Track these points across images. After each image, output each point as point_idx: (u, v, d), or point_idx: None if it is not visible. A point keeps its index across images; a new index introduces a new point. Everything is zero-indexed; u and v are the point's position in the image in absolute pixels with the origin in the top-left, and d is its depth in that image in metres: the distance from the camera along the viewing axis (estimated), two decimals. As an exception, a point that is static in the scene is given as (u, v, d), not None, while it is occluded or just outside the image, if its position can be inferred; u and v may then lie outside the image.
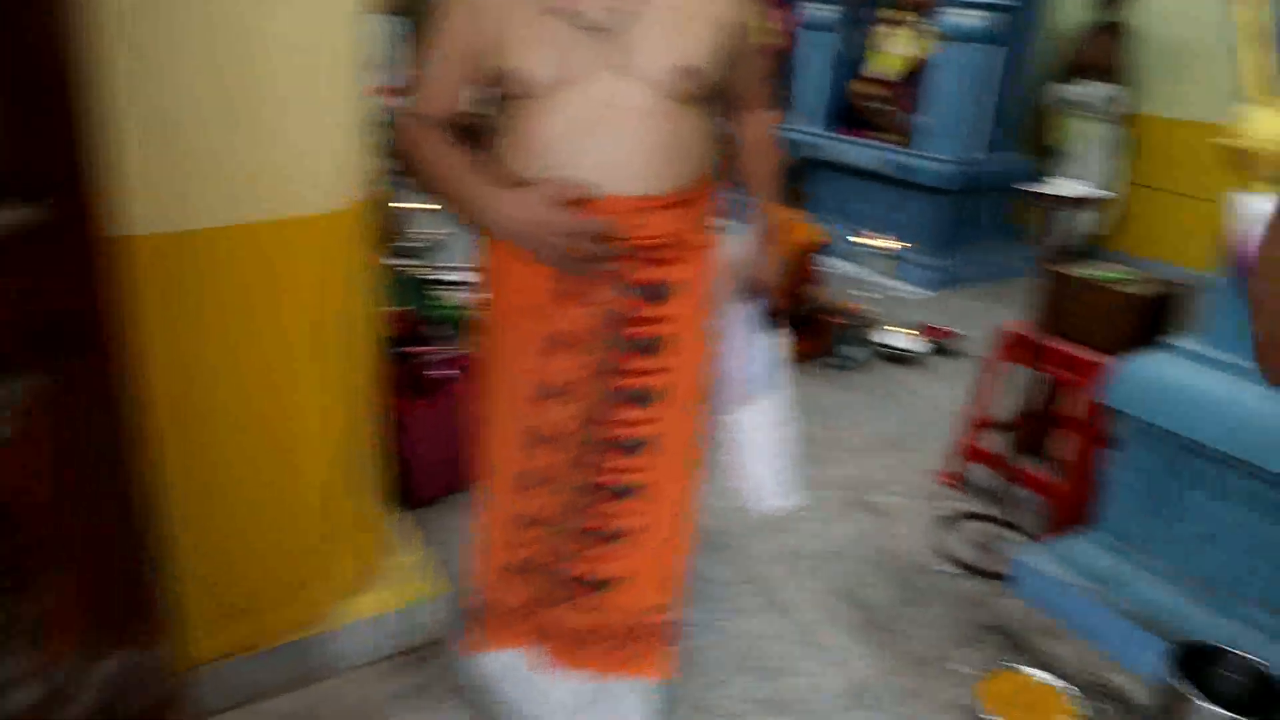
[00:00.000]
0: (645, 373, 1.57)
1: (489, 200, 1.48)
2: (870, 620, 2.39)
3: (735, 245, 1.73)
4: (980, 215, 5.63)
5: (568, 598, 1.68)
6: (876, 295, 4.37)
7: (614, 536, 1.64)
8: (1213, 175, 5.59)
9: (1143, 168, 5.89)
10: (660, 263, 1.53)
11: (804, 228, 3.98)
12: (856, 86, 6.10)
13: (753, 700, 2.09)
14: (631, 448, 1.59)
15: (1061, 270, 2.50)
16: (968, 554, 2.69)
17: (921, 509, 2.94)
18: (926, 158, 5.46)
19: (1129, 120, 5.79)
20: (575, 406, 1.56)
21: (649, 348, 1.56)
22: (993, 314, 5.02)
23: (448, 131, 1.54)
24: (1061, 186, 2.33)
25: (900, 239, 5.39)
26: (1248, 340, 2.20)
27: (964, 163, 5.37)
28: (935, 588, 2.54)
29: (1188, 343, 2.23)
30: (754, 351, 1.75)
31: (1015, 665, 2.16)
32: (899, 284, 5.41)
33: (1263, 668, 1.91)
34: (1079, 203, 2.31)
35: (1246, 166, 2.02)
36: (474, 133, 1.55)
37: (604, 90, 1.42)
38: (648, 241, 1.50)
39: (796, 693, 2.13)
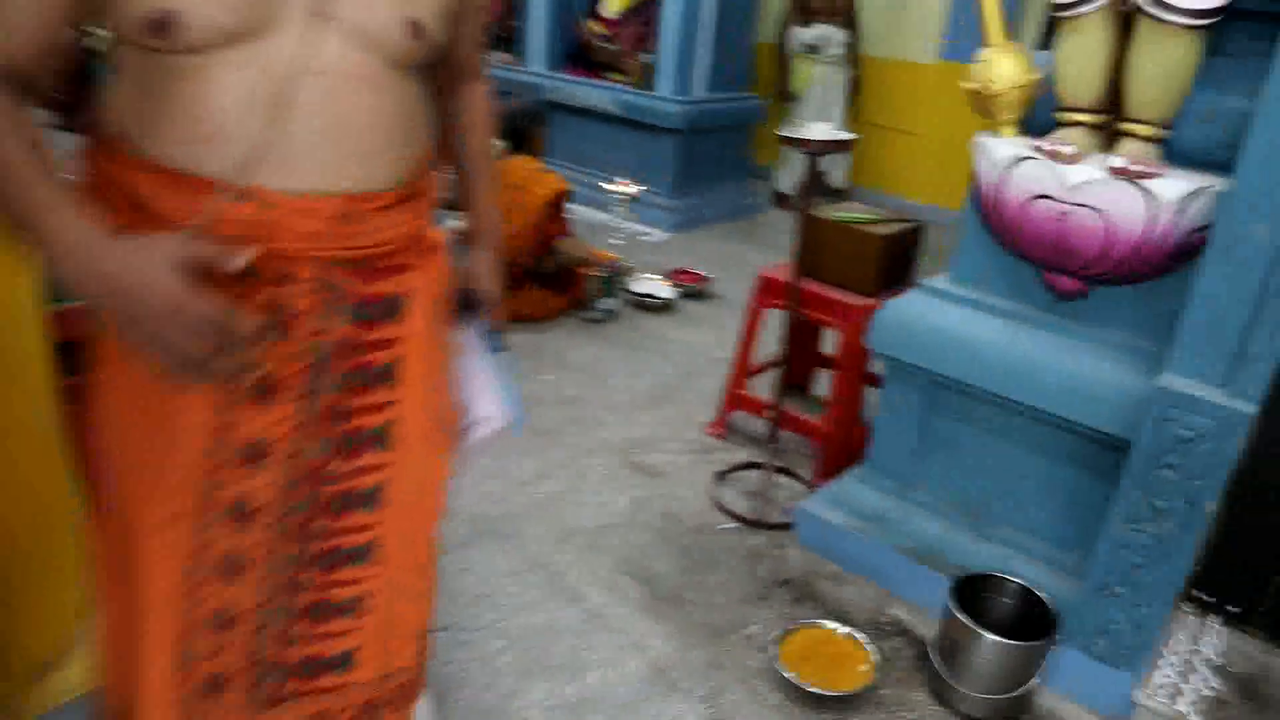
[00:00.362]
0: (373, 409, 1.22)
1: (77, 241, 0.92)
2: (659, 594, 2.29)
3: (452, 247, 1.44)
4: (713, 154, 5.68)
5: (292, 693, 1.29)
6: (620, 241, 4.27)
7: (344, 609, 1.28)
8: (930, 112, 6.10)
9: (871, 107, 6.26)
10: (389, 272, 1.19)
11: (548, 177, 3.77)
12: (588, 25, 5.90)
13: (556, 705, 1.92)
14: (359, 501, 1.25)
15: (812, 214, 2.48)
16: (746, 507, 2.66)
17: (696, 465, 2.89)
18: (656, 97, 5.40)
19: (858, 62, 6.04)
20: (279, 469, 1.16)
21: (377, 378, 1.21)
22: (735, 253, 5.13)
23: (19, 95, 0.96)
24: (811, 130, 2.29)
25: (637, 181, 5.33)
26: (991, 276, 2.33)
27: (692, 102, 5.37)
28: (719, 548, 2.49)
29: (937, 281, 2.28)
30: (482, 373, 1.45)
31: (809, 621, 2.15)
32: (640, 227, 5.36)
33: (1032, 590, 2.01)
34: (828, 145, 2.28)
35: (989, 109, 2.05)
36: (69, 103, 1.07)
37: (300, 47, 1.00)
38: (369, 252, 1.15)
39: (599, 687, 1.98)
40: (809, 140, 2.26)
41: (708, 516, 2.62)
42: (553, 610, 2.20)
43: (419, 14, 1.10)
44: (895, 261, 2.77)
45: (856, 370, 2.73)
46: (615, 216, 5.16)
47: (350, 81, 1.05)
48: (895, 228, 2.73)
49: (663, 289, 4.14)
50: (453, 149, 1.41)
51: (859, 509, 2.42)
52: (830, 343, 3.10)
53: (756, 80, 6.34)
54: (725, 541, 2.51)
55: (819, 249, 2.69)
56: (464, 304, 1.41)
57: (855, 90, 6.11)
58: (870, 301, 2.67)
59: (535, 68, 6.10)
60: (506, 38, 6.52)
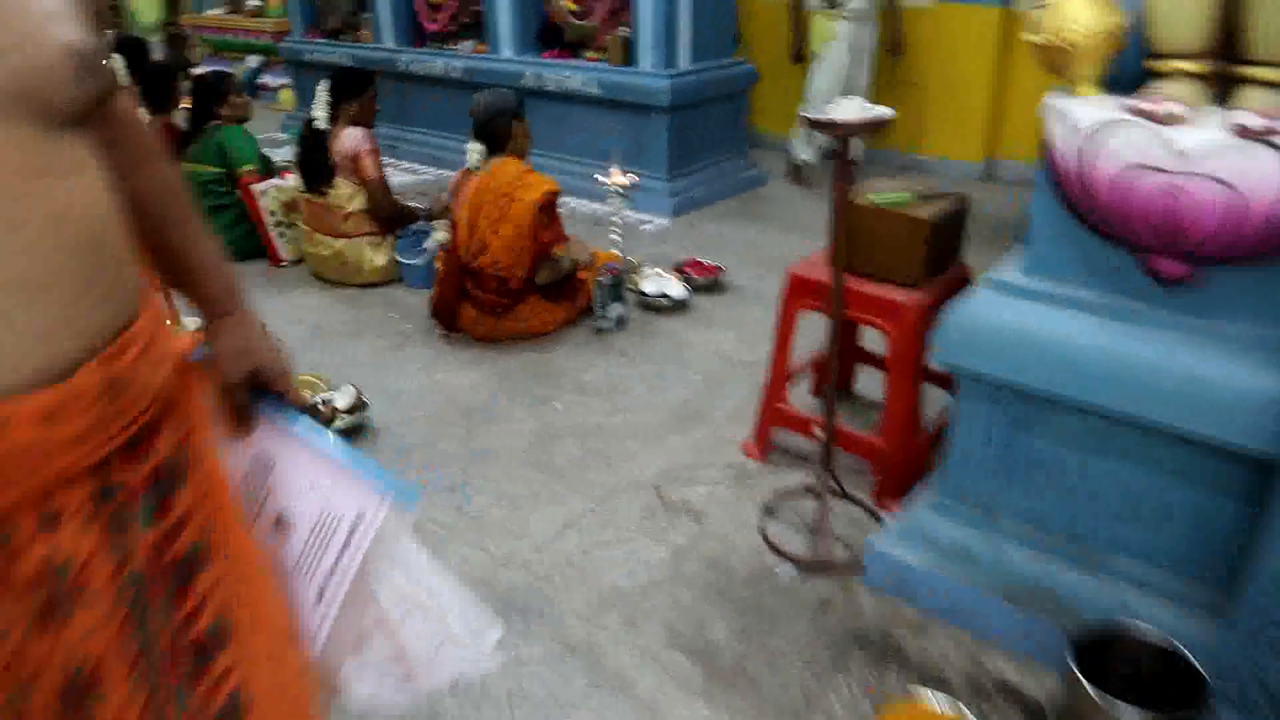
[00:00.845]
0: (195, 613, 0.90)
1: None
2: (719, 669, 1.96)
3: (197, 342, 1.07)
4: (708, 129, 5.29)
5: None
6: (619, 234, 3.92)
7: None
8: (932, 60, 5.63)
9: (904, 62, 5.51)
10: (144, 446, 0.86)
11: (535, 178, 3.40)
12: (557, 3, 5.49)
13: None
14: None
15: (846, 201, 2.13)
16: (803, 545, 2.33)
17: (738, 496, 2.56)
18: (639, 74, 5.01)
19: (889, 15, 5.23)
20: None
21: (187, 568, 0.90)
22: (743, 234, 4.76)
23: None
24: (840, 109, 1.93)
25: (629, 166, 4.95)
26: (1074, 265, 1.97)
27: (677, 74, 4.97)
28: (779, 601, 2.16)
29: (1006, 273, 1.93)
30: (319, 462, 1.04)
31: (900, 693, 1.83)
32: (638, 215, 4.99)
33: (1166, 645, 1.68)
34: (861, 128, 1.92)
35: (1063, 64, 1.69)
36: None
37: None
38: (137, 425, 0.84)
39: (664, 808, 1.67)
40: (839, 124, 1.90)
41: (760, 561, 2.30)
42: (599, 706, 1.88)
43: (73, 35, 0.73)
44: (943, 246, 2.42)
45: (911, 375, 2.39)
46: (610, 206, 4.78)
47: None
48: (940, 208, 2.37)
49: (674, 286, 3.79)
50: (150, 235, 0.98)
51: (937, 543, 2.09)
52: (870, 335, 2.75)
53: (746, 43, 5.94)
54: (785, 592, 2.19)
55: (855, 238, 2.33)
56: (249, 394, 1.06)
57: (893, 48, 5.30)
58: (919, 295, 2.33)
59: (505, 53, 5.70)
60: (472, 23, 6.11)
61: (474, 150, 3.43)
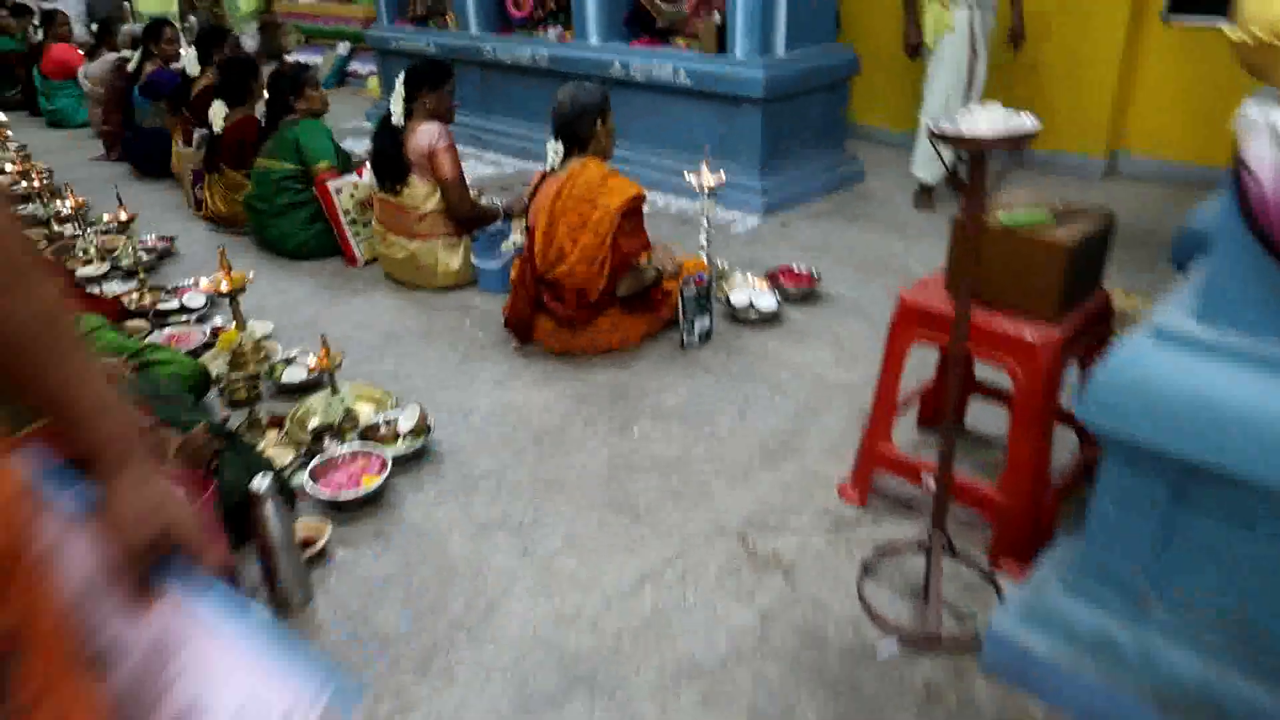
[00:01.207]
0: None
1: None
2: (814, 768, 1.70)
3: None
4: (804, 122, 4.96)
5: None
6: (706, 238, 3.65)
7: None
8: (1100, 46, 5.05)
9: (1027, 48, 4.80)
10: None
11: (618, 182, 3.15)
12: (645, -13, 5.22)
13: None
14: None
15: (979, 229, 1.81)
16: (907, 614, 2.04)
17: (833, 548, 2.27)
18: (732, 63, 4.70)
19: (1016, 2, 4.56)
20: None
21: None
22: (840, 237, 4.42)
23: None
24: (977, 120, 1.63)
25: (718, 161, 4.66)
26: (1270, 319, 1.42)
27: (774, 64, 4.64)
28: (881, 684, 1.88)
29: (1182, 323, 1.59)
30: (236, 648, 0.86)
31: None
32: (726, 214, 4.70)
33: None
34: (1006, 144, 1.61)
35: (1270, 65, 1.35)
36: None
37: None
38: None
39: None
40: (974, 139, 1.59)
41: (858, 631, 2.02)
42: (672, 809, 1.64)
43: None
44: (1082, 273, 2.08)
45: (1040, 422, 2.06)
46: (697, 204, 4.50)
47: None
48: (1081, 230, 2.03)
49: (764, 296, 3.50)
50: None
51: (1072, 630, 1.77)
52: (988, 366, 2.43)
53: (846, 27, 5.56)
54: (886, 673, 1.90)
55: (980, 263, 2.01)
56: (155, 560, 0.85)
57: (1014, 36, 4.60)
58: (1053, 331, 2.00)
59: (592, 40, 5.45)
60: (559, 9, 5.88)
61: (553, 150, 3.20)
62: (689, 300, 3.24)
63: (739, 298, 3.51)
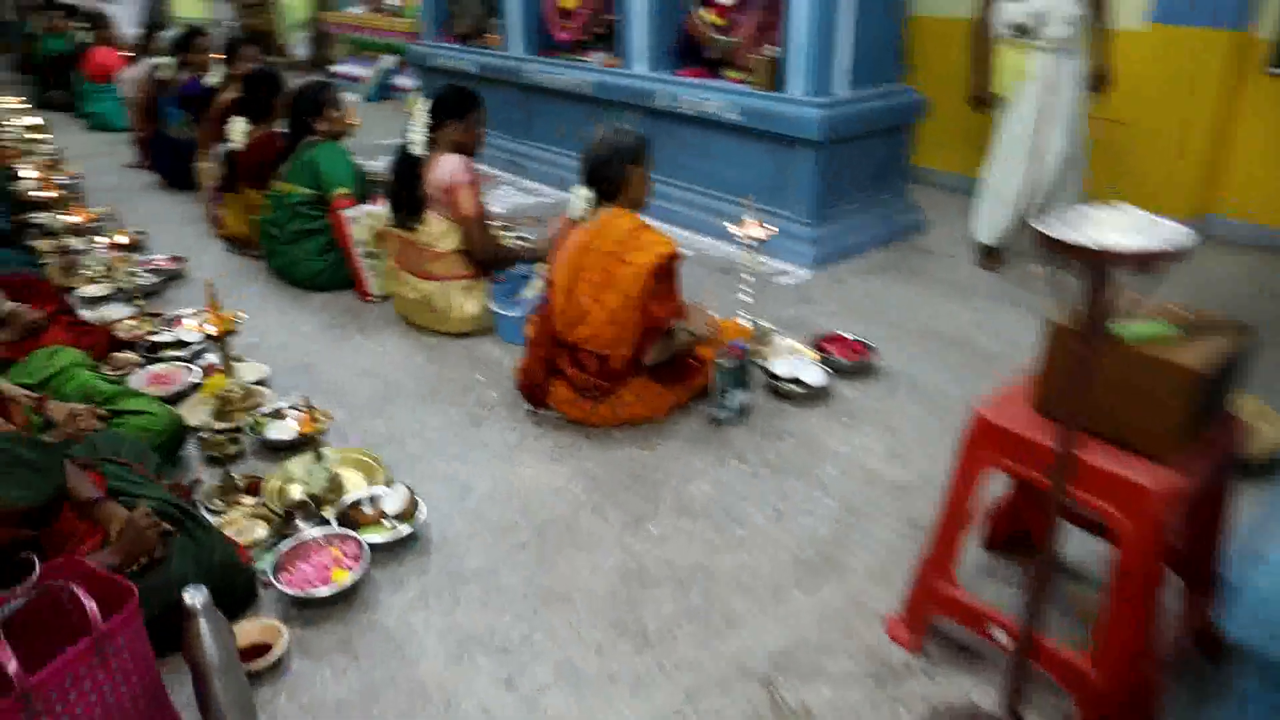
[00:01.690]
0: None
1: None
2: None
3: None
4: (862, 166, 4.57)
5: None
6: (749, 289, 3.29)
7: None
8: (1194, 97, 4.55)
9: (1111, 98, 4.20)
10: None
11: (651, 236, 2.79)
12: (699, 15, 4.88)
13: None
14: None
15: (1089, 348, 1.42)
16: (972, 817, 1.64)
17: (875, 711, 1.88)
18: (787, 100, 4.33)
19: (1098, 41, 3.96)
20: None
21: None
22: (897, 298, 4.00)
23: None
24: (1112, 223, 1.24)
25: (766, 206, 4.28)
26: None
27: (831, 104, 4.27)
28: None
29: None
30: None
31: None
32: (773, 264, 4.32)
33: None
34: (1144, 260, 1.22)
35: None
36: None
37: None
38: None
39: None
40: (1108, 255, 1.20)
41: (910, 835, 1.62)
42: None
43: None
44: (1209, 400, 1.67)
45: (1148, 587, 1.66)
46: (740, 251, 4.13)
47: None
48: (1212, 348, 1.63)
49: (810, 369, 3.11)
50: None
51: None
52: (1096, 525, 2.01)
53: (913, 65, 5.16)
54: None
55: (1078, 380, 1.62)
56: None
57: (1097, 82, 4.00)
58: (1170, 475, 1.60)
59: (637, 68, 5.12)
60: (605, 34, 5.56)
61: (580, 197, 2.85)
62: (725, 373, 2.87)
63: (781, 367, 3.13)
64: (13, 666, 1.48)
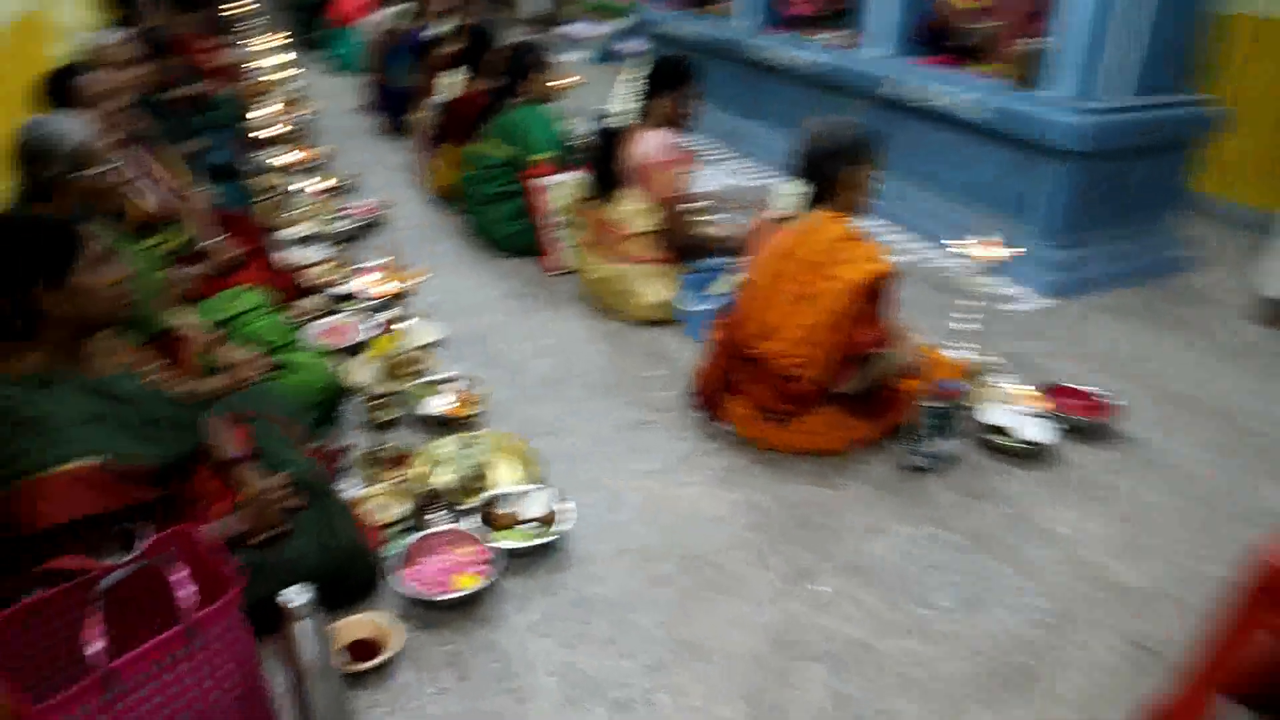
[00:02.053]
0: None
1: None
2: None
3: None
4: (1124, 185, 3.91)
5: None
6: (972, 313, 2.83)
7: None
8: None
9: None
10: None
11: (863, 249, 2.41)
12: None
13: None
14: None
15: None
16: None
17: None
18: (1045, 102, 3.75)
19: None
20: None
21: None
22: (1152, 348, 3.36)
23: None
24: None
25: (1004, 221, 3.75)
26: None
27: (1101, 110, 3.65)
28: None
29: None
30: None
31: None
32: (1002, 288, 3.79)
33: None
34: None
35: None
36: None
37: None
38: None
39: None
40: None
41: None
42: None
43: None
44: None
45: None
46: (963, 267, 3.62)
47: None
48: None
49: (1032, 424, 2.64)
50: None
51: None
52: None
53: (1212, 71, 4.38)
54: None
55: None
56: None
57: None
58: None
59: (873, 50, 4.66)
60: (847, 10, 5.11)
61: (788, 193, 2.52)
62: (930, 414, 2.46)
63: (997, 415, 2.67)
64: (98, 646, 1.37)
